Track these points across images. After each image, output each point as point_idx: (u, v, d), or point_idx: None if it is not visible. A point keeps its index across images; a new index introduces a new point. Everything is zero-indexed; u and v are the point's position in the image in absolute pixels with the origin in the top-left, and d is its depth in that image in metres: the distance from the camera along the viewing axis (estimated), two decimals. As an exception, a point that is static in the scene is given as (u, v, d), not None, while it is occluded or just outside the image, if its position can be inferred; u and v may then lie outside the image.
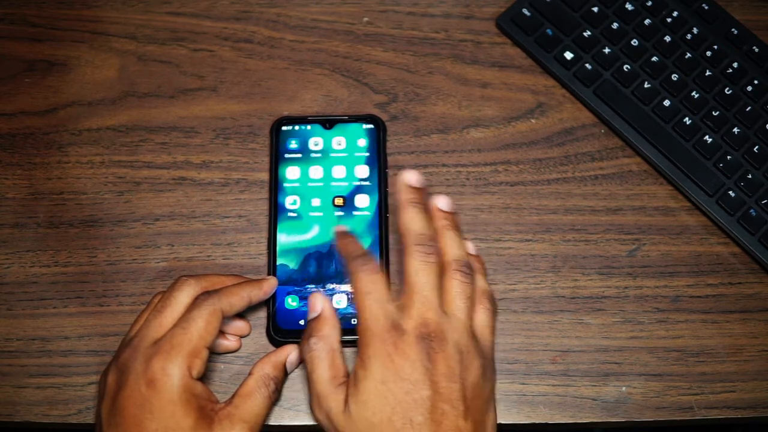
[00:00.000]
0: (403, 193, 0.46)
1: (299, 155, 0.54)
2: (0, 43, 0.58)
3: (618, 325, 0.52)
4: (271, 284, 0.50)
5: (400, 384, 0.41)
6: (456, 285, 0.45)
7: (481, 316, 0.46)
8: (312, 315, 0.46)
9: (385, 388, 0.41)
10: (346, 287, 0.51)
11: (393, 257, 0.53)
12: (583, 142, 0.56)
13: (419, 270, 0.44)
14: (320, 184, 0.54)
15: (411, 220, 0.45)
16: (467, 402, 0.42)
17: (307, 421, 0.50)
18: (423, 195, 0.47)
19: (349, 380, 0.43)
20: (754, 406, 0.50)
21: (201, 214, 0.54)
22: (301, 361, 0.48)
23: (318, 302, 0.47)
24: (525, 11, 0.58)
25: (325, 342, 0.45)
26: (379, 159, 0.54)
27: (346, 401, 0.42)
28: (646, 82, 0.56)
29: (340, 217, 0.53)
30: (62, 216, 0.54)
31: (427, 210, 0.46)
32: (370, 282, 0.43)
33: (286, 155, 0.54)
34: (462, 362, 0.43)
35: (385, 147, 0.55)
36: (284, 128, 0.55)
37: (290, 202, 0.53)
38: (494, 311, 0.47)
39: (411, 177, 0.47)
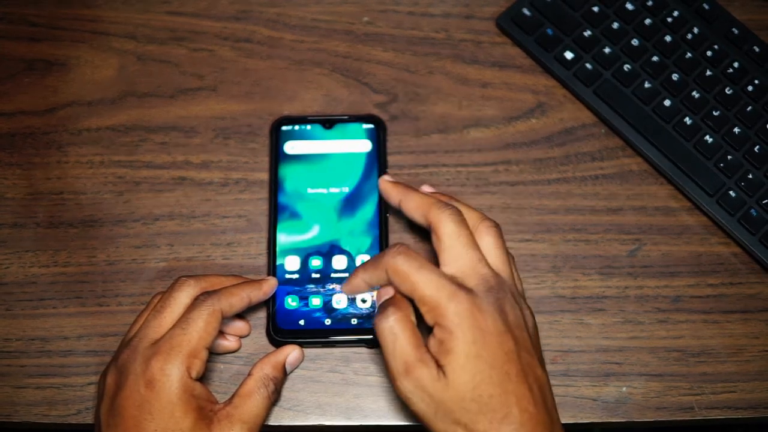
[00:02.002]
0: (394, 188, 0.49)
1: (299, 155, 0.54)
2: (-1, 42, 0.58)
3: (618, 325, 0.52)
4: (271, 285, 0.50)
5: (490, 338, 0.41)
6: (493, 241, 0.46)
7: (513, 269, 0.47)
8: (385, 297, 0.46)
9: (477, 347, 0.41)
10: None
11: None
12: (584, 142, 0.56)
13: (458, 231, 0.45)
14: (320, 184, 0.54)
15: (421, 198, 0.47)
16: (537, 350, 0.43)
17: (306, 421, 0.49)
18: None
19: (438, 351, 0.42)
20: (754, 407, 0.50)
21: (201, 214, 0.54)
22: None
23: (389, 289, 0.46)
24: (525, 11, 0.58)
25: (404, 314, 0.44)
26: (379, 159, 0.54)
27: (439, 370, 0.42)
28: (646, 82, 0.56)
29: (340, 217, 0.53)
30: (62, 216, 0.54)
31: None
32: (413, 259, 0.44)
33: (286, 155, 0.54)
34: (521, 310, 0.44)
35: (385, 147, 0.55)
36: (284, 128, 0.55)
37: (290, 202, 0.53)
38: (515, 262, 0.49)
39: (388, 177, 0.51)
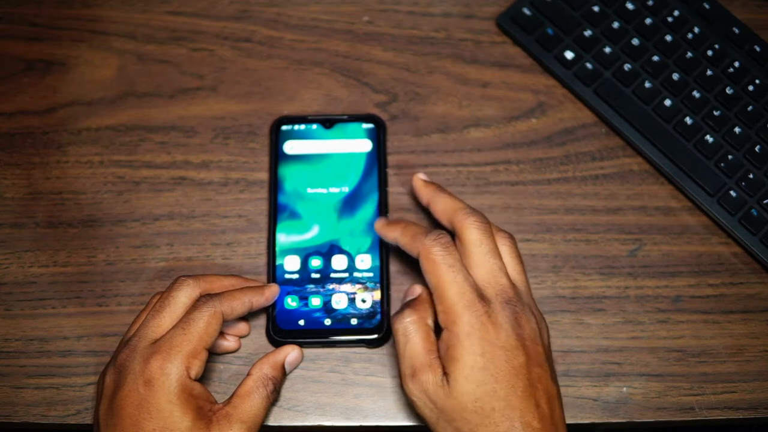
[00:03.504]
0: (425, 187, 0.49)
1: (299, 155, 0.54)
2: (-1, 42, 0.58)
3: (619, 326, 0.52)
4: (273, 291, 0.50)
5: (499, 353, 0.41)
6: (509, 251, 0.46)
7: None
8: (409, 297, 0.47)
9: (485, 359, 0.41)
10: (346, 287, 0.51)
11: (394, 257, 0.52)
12: (584, 142, 0.56)
13: (482, 239, 0.45)
14: (320, 183, 0.53)
15: (449, 200, 0.48)
16: (549, 362, 0.43)
17: (306, 421, 0.49)
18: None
19: (445, 356, 0.42)
20: (755, 407, 0.50)
21: (200, 214, 0.54)
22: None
23: (417, 288, 0.47)
24: (525, 10, 0.58)
25: (420, 317, 0.45)
26: (379, 159, 0.54)
27: (444, 377, 0.42)
28: (646, 82, 0.56)
29: (340, 217, 0.53)
30: (61, 216, 0.54)
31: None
32: (450, 254, 0.44)
33: (286, 155, 0.54)
34: (537, 323, 0.44)
35: (385, 147, 0.55)
36: (284, 128, 0.55)
37: (290, 202, 0.53)
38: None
39: (423, 175, 0.51)
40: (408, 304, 0.46)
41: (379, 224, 0.49)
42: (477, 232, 0.45)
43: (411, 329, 0.44)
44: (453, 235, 0.46)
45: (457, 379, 0.41)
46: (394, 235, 0.47)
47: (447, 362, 0.42)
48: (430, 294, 0.46)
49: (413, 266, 0.52)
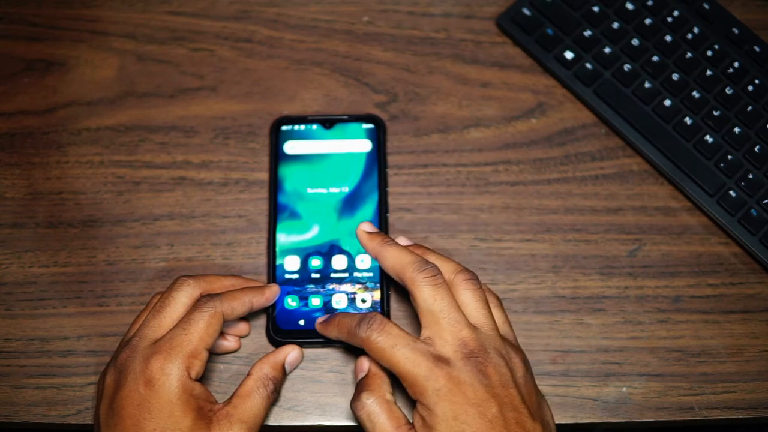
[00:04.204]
0: (370, 240, 0.49)
1: (299, 155, 0.54)
2: (-1, 42, 0.58)
3: (618, 326, 0.52)
4: (273, 291, 0.50)
5: (471, 410, 0.41)
6: (471, 295, 0.45)
7: (497, 314, 0.47)
8: (360, 375, 0.46)
9: (459, 422, 0.41)
10: (346, 287, 0.51)
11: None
12: (584, 142, 0.56)
13: (434, 295, 0.44)
14: (320, 183, 0.53)
15: (397, 255, 0.47)
16: (526, 402, 0.43)
17: (306, 421, 0.49)
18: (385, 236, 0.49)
19: (422, 427, 0.42)
20: (755, 407, 0.50)
21: (200, 214, 0.54)
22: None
23: (365, 363, 0.46)
24: (525, 11, 0.58)
25: (378, 395, 0.44)
26: (379, 159, 0.54)
27: None
28: (646, 82, 0.56)
29: (340, 217, 0.53)
30: (61, 216, 0.54)
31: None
32: (387, 335, 0.43)
33: (286, 155, 0.54)
34: (507, 365, 0.43)
35: (385, 147, 0.55)
36: (284, 128, 0.55)
37: (290, 202, 0.53)
38: (501, 303, 0.49)
39: (366, 226, 0.50)
40: (360, 386, 0.45)
41: (319, 326, 0.49)
42: (428, 288, 0.44)
43: (374, 411, 0.43)
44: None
45: None
46: (333, 335, 0.47)
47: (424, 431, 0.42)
48: (378, 367, 0.46)
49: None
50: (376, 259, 0.48)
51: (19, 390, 0.50)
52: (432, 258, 0.47)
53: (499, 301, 0.49)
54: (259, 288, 0.49)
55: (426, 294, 0.44)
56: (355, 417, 0.45)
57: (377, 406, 0.44)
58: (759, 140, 0.55)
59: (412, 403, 0.43)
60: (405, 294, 0.52)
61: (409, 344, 0.43)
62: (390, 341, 0.43)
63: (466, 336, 0.43)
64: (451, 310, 0.44)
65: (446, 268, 0.46)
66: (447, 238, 0.53)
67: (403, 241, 0.50)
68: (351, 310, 0.50)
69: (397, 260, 0.46)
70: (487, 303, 0.46)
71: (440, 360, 0.42)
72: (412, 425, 0.43)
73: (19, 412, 0.49)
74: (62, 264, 0.53)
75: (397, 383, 0.44)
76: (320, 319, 0.49)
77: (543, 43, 0.57)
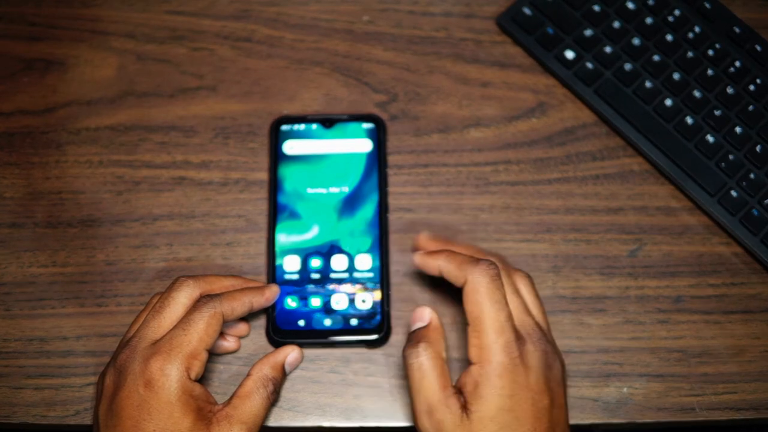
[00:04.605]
0: (430, 258, 0.47)
1: (299, 155, 0.54)
2: (-2, 42, 0.58)
3: (619, 326, 0.52)
4: (273, 292, 0.50)
5: (527, 395, 0.41)
6: (529, 288, 0.47)
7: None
8: (419, 324, 0.45)
9: (512, 401, 0.41)
10: (346, 287, 0.51)
11: (393, 257, 0.52)
12: (584, 142, 0.56)
13: (497, 282, 0.43)
14: (320, 183, 0.53)
15: (453, 257, 0.46)
16: (566, 404, 0.44)
17: (306, 421, 0.49)
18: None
19: (472, 392, 0.42)
20: (756, 407, 0.50)
21: (200, 214, 0.54)
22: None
23: (426, 312, 0.46)
24: (526, 10, 0.58)
25: (435, 349, 0.43)
26: (379, 158, 0.54)
27: (463, 414, 0.41)
28: (647, 82, 0.56)
29: (340, 217, 0.53)
30: (60, 216, 0.54)
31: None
32: (498, 289, 0.43)
33: (286, 155, 0.54)
34: (559, 363, 0.44)
35: (385, 146, 0.55)
36: (284, 127, 0.55)
37: (289, 202, 0.53)
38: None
39: (426, 234, 0.51)
40: (420, 335, 0.44)
41: (419, 257, 0.47)
42: (489, 277, 0.43)
43: (426, 365, 0.43)
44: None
45: (482, 419, 0.41)
46: (437, 263, 0.46)
47: (473, 398, 0.41)
48: (440, 321, 0.45)
49: (415, 269, 0.52)
50: (440, 273, 0.46)
51: (18, 390, 0.50)
52: (487, 257, 0.47)
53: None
54: (258, 288, 0.49)
55: (488, 280, 0.43)
56: (404, 364, 0.44)
57: (432, 361, 0.43)
58: (760, 140, 0.55)
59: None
60: (405, 294, 0.52)
61: (507, 310, 0.43)
62: (496, 296, 0.42)
63: (533, 323, 0.44)
64: (518, 296, 0.45)
65: (501, 265, 0.47)
66: (447, 238, 0.53)
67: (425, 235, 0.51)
68: (351, 311, 0.50)
69: (455, 263, 0.45)
70: (542, 302, 0.47)
71: (518, 337, 0.43)
72: (456, 390, 0.42)
73: (18, 413, 0.49)
74: (61, 264, 0.53)
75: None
76: (419, 253, 0.47)
77: (543, 42, 0.57)
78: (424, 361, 0.43)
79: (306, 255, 0.52)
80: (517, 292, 0.45)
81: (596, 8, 0.58)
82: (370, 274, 0.51)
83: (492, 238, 0.54)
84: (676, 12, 0.58)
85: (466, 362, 0.43)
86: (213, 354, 0.50)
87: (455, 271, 0.45)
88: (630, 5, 0.58)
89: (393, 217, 0.54)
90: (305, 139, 0.55)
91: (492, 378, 0.41)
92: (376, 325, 0.50)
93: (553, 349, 0.45)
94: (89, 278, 0.52)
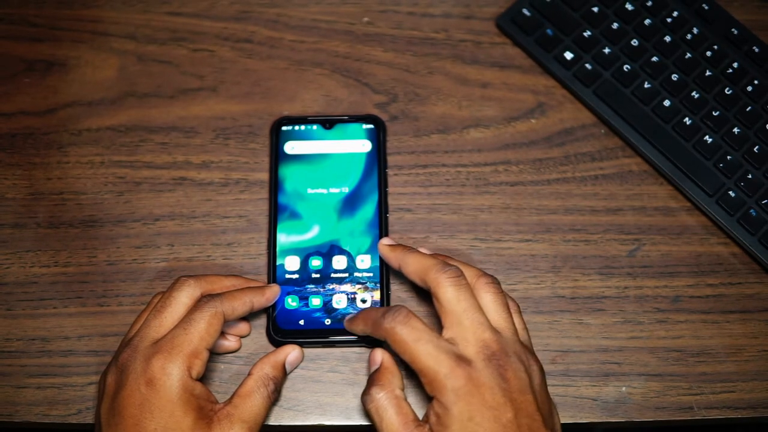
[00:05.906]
0: (392, 251, 0.49)
1: (299, 155, 0.54)
2: None
3: (618, 326, 0.52)
4: (274, 291, 0.50)
5: (488, 413, 0.41)
6: (493, 298, 0.46)
7: (517, 320, 0.47)
8: (373, 368, 0.46)
9: (474, 423, 0.41)
10: (346, 287, 0.51)
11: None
12: (583, 142, 0.56)
13: (458, 296, 0.44)
14: (320, 184, 0.54)
15: (419, 259, 0.47)
16: (540, 410, 0.43)
17: (306, 421, 0.50)
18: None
19: (436, 424, 0.42)
20: (754, 406, 0.50)
21: (201, 214, 0.54)
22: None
23: (377, 355, 0.46)
24: (525, 11, 0.58)
25: (388, 390, 0.44)
26: (379, 159, 0.54)
27: None
28: (646, 82, 0.56)
29: (340, 217, 0.53)
30: (62, 216, 0.54)
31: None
32: (411, 329, 0.43)
33: (286, 155, 0.54)
34: (526, 371, 0.43)
35: (385, 147, 0.55)
36: (284, 128, 0.55)
37: (290, 202, 0.53)
38: (520, 309, 0.49)
39: (387, 240, 0.50)
40: (372, 379, 0.45)
41: (346, 323, 0.48)
42: (452, 289, 0.44)
43: (382, 405, 0.43)
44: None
45: None
46: (359, 329, 0.47)
47: (438, 428, 0.42)
48: (392, 360, 0.46)
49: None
50: (400, 268, 0.48)
51: (20, 390, 0.50)
52: (453, 263, 0.47)
53: (519, 307, 0.49)
54: (259, 288, 0.49)
55: (449, 294, 0.44)
56: (364, 410, 0.45)
57: (386, 401, 0.44)
58: (758, 140, 0.55)
59: (424, 400, 0.43)
60: (405, 294, 0.52)
61: (432, 340, 0.43)
62: (414, 335, 0.43)
63: (488, 338, 0.43)
64: (474, 312, 0.44)
65: (468, 272, 0.47)
66: (447, 238, 0.54)
67: (423, 251, 0.50)
68: (351, 310, 0.51)
69: (419, 264, 0.47)
70: (508, 307, 0.46)
71: (462, 360, 0.42)
72: (420, 422, 0.43)
73: (20, 412, 0.50)
74: (63, 264, 0.53)
75: (410, 379, 0.44)
76: (348, 317, 0.49)
77: (543, 43, 0.58)
78: (379, 404, 0.44)
79: (306, 255, 0.52)
80: (471, 308, 0.44)
81: (595, 9, 0.58)
82: (370, 274, 0.51)
83: (491, 238, 0.54)
84: (675, 13, 0.58)
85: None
86: (214, 353, 0.50)
87: (374, 331, 0.45)
88: (629, 6, 0.58)
89: (393, 217, 0.54)
90: (306, 139, 0.55)
91: (448, 407, 0.41)
92: (376, 325, 0.50)
93: (516, 358, 0.43)
94: (91, 278, 0.52)
